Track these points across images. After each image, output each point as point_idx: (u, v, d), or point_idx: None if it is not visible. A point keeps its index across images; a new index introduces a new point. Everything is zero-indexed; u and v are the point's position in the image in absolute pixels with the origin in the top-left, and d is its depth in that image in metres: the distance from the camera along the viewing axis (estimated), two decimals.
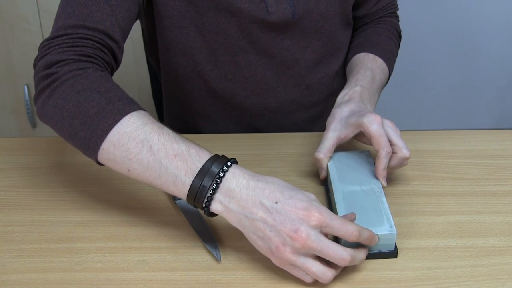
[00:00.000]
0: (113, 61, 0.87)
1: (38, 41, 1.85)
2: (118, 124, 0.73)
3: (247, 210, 0.69)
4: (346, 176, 0.85)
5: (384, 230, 0.74)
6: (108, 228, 0.82)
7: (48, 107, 0.78)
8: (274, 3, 1.00)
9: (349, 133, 0.88)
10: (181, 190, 0.71)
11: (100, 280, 0.73)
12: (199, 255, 0.77)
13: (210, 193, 0.70)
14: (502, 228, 0.81)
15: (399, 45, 1.19)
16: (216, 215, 0.73)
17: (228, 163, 0.71)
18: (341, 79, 1.16)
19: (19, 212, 0.86)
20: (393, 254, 0.76)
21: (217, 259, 0.76)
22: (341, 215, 0.77)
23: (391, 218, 0.76)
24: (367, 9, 1.16)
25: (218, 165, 0.70)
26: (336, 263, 0.69)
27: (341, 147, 0.97)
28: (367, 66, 1.05)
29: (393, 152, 0.85)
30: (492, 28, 2.20)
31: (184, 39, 1.03)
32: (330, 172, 0.86)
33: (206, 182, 0.70)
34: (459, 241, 0.79)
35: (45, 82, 0.78)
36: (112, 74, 0.87)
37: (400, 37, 1.20)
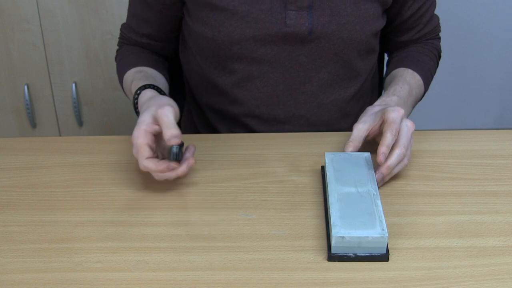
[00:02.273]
0: (151, 48, 1.17)
1: (38, 41, 1.85)
2: (123, 79, 1.11)
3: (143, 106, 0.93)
4: (343, 177, 0.85)
5: (375, 233, 0.74)
6: (108, 228, 0.82)
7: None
8: (294, 16, 1.01)
9: (376, 124, 0.92)
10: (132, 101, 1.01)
11: (100, 280, 0.73)
12: (199, 255, 0.77)
13: (136, 97, 0.99)
14: (502, 228, 0.81)
15: (437, 65, 1.20)
16: None
17: (145, 87, 0.98)
18: (357, 103, 1.16)
19: (19, 212, 0.86)
20: (384, 257, 0.75)
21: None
22: (334, 216, 0.77)
23: (384, 221, 0.76)
24: (409, 36, 1.16)
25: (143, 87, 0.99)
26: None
27: (340, 148, 0.97)
28: (406, 80, 1.07)
29: (393, 146, 0.88)
30: (492, 28, 2.20)
31: (203, 43, 1.07)
32: (328, 173, 0.86)
33: (134, 99, 1.00)
34: (459, 241, 0.79)
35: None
36: (158, 52, 1.18)
37: (440, 57, 1.21)
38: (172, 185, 0.91)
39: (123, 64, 1.13)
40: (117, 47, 1.20)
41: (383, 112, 0.91)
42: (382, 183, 0.88)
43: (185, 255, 0.77)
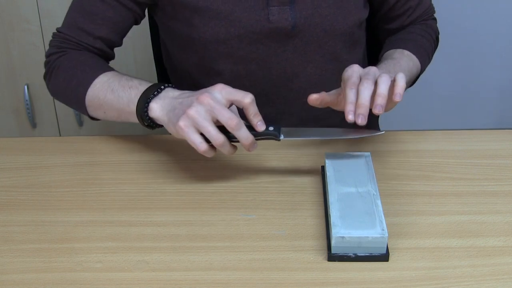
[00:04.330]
0: (101, 56, 1.05)
1: (38, 41, 1.85)
2: (90, 86, 0.96)
3: (173, 101, 0.86)
4: (343, 177, 0.85)
5: (375, 233, 0.74)
6: (108, 228, 0.82)
7: (51, 87, 1.04)
8: (277, 12, 1.00)
9: (339, 91, 0.90)
10: (132, 108, 0.90)
11: (100, 280, 0.73)
12: (199, 255, 0.77)
13: (151, 97, 0.88)
14: (502, 228, 0.81)
15: (435, 44, 1.16)
16: (153, 127, 0.90)
17: (168, 84, 0.90)
18: None
19: (19, 212, 0.86)
20: (384, 257, 0.75)
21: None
22: (334, 216, 0.77)
23: (384, 222, 0.76)
24: (399, 23, 1.13)
25: (160, 84, 0.90)
26: (226, 122, 0.81)
27: (340, 148, 0.97)
28: (392, 57, 1.04)
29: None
30: (492, 28, 2.20)
31: (188, 46, 1.06)
32: (328, 173, 0.86)
33: (149, 93, 0.89)
34: (459, 241, 0.79)
35: (46, 69, 1.04)
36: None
37: (437, 38, 1.17)
38: (172, 185, 0.91)
39: (86, 68, 0.99)
40: (51, 53, 1.04)
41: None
42: (381, 110, 0.82)
43: (185, 255, 0.77)
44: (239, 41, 1.02)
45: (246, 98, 0.84)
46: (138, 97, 0.90)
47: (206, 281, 0.73)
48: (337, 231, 0.75)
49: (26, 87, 1.93)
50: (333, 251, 0.75)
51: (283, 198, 0.88)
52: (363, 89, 0.82)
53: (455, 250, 0.77)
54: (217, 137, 0.82)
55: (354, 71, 0.87)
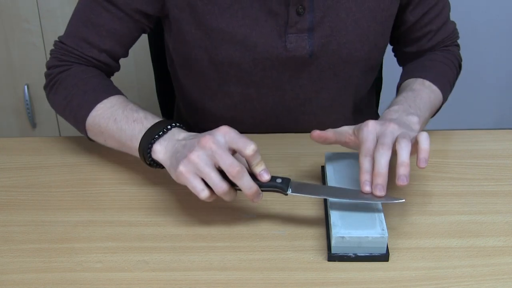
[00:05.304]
0: (105, 69, 1.01)
1: (38, 41, 1.85)
2: (92, 111, 0.91)
3: (176, 144, 0.81)
4: (343, 177, 0.85)
5: (375, 233, 0.74)
6: (108, 228, 0.82)
7: (50, 100, 1.00)
8: (294, 40, 0.96)
9: (349, 134, 0.85)
10: (135, 145, 0.85)
11: (100, 280, 0.73)
12: (199, 255, 0.77)
13: (156, 138, 0.82)
14: (502, 228, 0.81)
15: (458, 71, 1.09)
16: (155, 166, 0.85)
17: (176, 123, 0.84)
18: (359, 116, 1.10)
19: (19, 212, 0.86)
20: (384, 257, 0.75)
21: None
22: (334, 216, 0.77)
23: (383, 221, 0.76)
24: (419, 46, 1.07)
25: (167, 123, 0.84)
26: (227, 169, 0.75)
27: (340, 148, 0.97)
28: (412, 88, 0.98)
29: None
30: (492, 27, 2.20)
31: (197, 66, 1.02)
32: (328, 173, 0.86)
33: (154, 132, 0.83)
34: (459, 241, 0.79)
35: (46, 81, 1.00)
36: (108, 75, 1.03)
37: (460, 66, 1.10)
38: (172, 185, 0.90)
39: (88, 90, 0.94)
40: (52, 65, 0.99)
41: (356, 129, 0.83)
42: (406, 181, 0.75)
43: (185, 255, 0.77)
44: (253, 65, 0.99)
45: (248, 149, 0.76)
46: (142, 134, 0.84)
47: (206, 281, 0.73)
48: (337, 231, 0.75)
49: (26, 87, 1.93)
50: (333, 251, 0.75)
51: (283, 198, 0.87)
52: (379, 156, 0.76)
53: (455, 250, 0.77)
54: (220, 186, 0.76)
55: (369, 131, 0.80)
